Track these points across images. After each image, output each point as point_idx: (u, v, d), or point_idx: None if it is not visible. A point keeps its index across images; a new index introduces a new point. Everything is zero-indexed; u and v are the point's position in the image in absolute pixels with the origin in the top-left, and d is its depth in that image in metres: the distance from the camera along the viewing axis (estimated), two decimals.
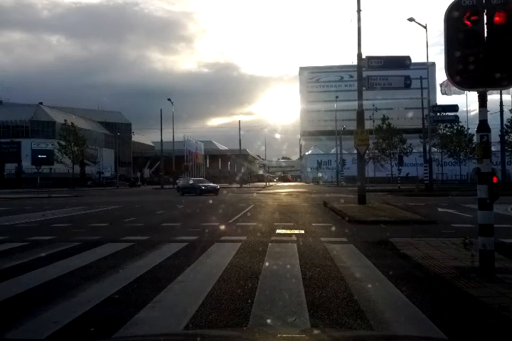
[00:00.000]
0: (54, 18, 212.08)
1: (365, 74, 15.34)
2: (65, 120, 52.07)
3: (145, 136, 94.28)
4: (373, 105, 49.63)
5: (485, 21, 4.31)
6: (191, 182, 30.27)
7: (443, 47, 4.52)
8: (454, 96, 51.15)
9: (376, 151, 49.43)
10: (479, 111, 4.50)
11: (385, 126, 49.17)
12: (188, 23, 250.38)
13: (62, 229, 9.45)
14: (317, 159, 74.52)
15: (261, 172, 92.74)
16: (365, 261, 5.53)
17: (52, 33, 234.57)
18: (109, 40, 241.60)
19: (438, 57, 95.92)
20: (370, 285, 4.28)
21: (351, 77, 77.21)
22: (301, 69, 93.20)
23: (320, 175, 66.72)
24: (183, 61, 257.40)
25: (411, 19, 25.03)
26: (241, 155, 65.40)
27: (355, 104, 15.94)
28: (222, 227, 9.31)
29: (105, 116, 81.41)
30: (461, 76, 4.44)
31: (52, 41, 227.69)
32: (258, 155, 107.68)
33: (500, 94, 29.77)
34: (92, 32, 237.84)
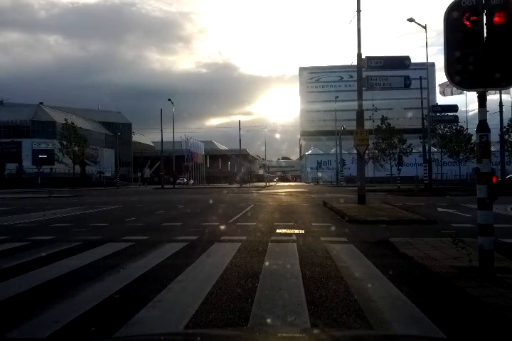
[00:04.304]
0: (51, 18, 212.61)
1: (364, 74, 15.34)
2: (66, 119, 52.10)
3: (145, 136, 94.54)
4: (373, 105, 49.76)
5: (484, 21, 4.33)
6: None
7: (441, 47, 4.62)
8: (453, 96, 51.17)
9: (376, 151, 49.46)
10: (479, 111, 4.52)
11: (384, 126, 49.18)
12: (185, 24, 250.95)
13: (62, 228, 9.46)
14: (317, 159, 74.54)
15: (261, 172, 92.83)
16: (364, 260, 5.54)
17: (50, 33, 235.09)
18: (107, 40, 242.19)
19: (436, 57, 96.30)
20: (369, 285, 4.29)
21: (351, 77, 77.25)
22: (301, 69, 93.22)
23: (320, 175, 66.73)
24: (181, 61, 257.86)
25: (411, 19, 25.03)
26: (241, 155, 65.41)
27: (354, 104, 15.94)
28: (223, 227, 9.32)
29: (105, 116, 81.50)
30: (460, 76, 4.45)
31: (50, 41, 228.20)
32: (258, 155, 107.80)
33: (500, 94, 29.82)
34: (90, 32, 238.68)
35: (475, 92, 4.51)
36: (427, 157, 26.16)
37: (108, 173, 66.06)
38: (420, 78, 27.16)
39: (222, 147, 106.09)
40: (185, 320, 3.27)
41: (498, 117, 29.91)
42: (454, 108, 27.37)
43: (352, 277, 4.61)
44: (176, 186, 47.84)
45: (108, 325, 3.24)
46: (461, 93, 48.08)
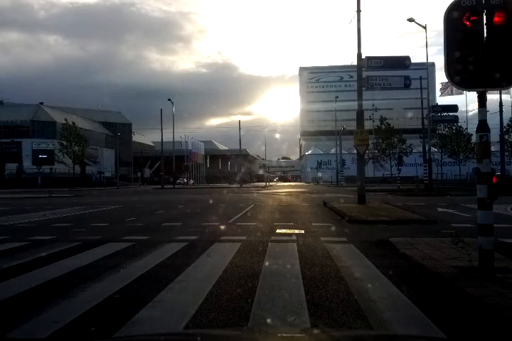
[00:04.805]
0: (51, 18, 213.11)
1: (364, 74, 15.34)
2: (66, 119, 52.10)
3: (145, 136, 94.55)
4: (373, 105, 49.70)
5: (484, 21, 4.32)
6: None
7: (441, 47, 4.62)
8: (452, 96, 51.17)
9: (376, 151, 49.45)
10: (479, 111, 4.51)
11: (383, 126, 49.17)
12: (185, 24, 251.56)
13: (62, 228, 9.46)
14: (317, 159, 74.58)
15: (261, 172, 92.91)
16: (364, 260, 5.54)
17: (50, 33, 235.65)
18: (107, 40, 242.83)
19: (436, 57, 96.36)
20: (369, 285, 4.29)
21: (351, 77, 77.27)
22: (301, 69, 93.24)
23: (320, 175, 66.77)
24: (181, 61, 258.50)
25: (411, 19, 25.03)
26: (241, 155, 65.43)
27: (355, 104, 15.94)
28: (223, 227, 9.32)
29: (105, 116, 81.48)
30: (460, 76, 4.45)
31: (50, 41, 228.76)
32: (258, 155, 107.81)
33: (500, 94, 29.84)
34: (90, 32, 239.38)
35: (475, 92, 4.51)
36: (427, 157, 26.16)
37: (108, 173, 66.01)
38: (420, 78, 27.16)
39: (222, 147, 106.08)
40: (185, 320, 3.27)
41: (498, 117, 29.94)
42: (454, 108, 27.35)
43: (352, 277, 4.61)
44: (175, 186, 47.87)
45: (108, 325, 3.24)
46: (461, 93, 48.07)
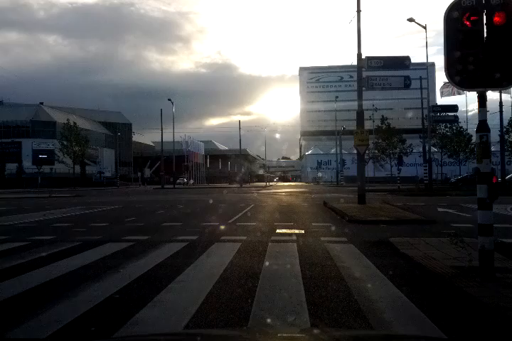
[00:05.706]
0: (50, 19, 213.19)
1: (364, 74, 15.34)
2: (68, 119, 52.13)
3: (145, 136, 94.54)
4: (373, 105, 49.70)
5: (484, 21, 4.32)
6: None
7: (441, 47, 4.62)
8: (452, 96, 51.16)
9: (376, 151, 49.44)
10: (479, 111, 4.51)
11: (384, 126, 49.17)
12: (184, 23, 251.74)
13: (62, 228, 9.46)
14: (317, 159, 74.59)
15: (261, 172, 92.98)
16: (365, 260, 5.54)
17: (49, 33, 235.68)
18: (106, 40, 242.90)
19: (435, 57, 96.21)
20: (370, 285, 4.29)
21: (351, 77, 77.35)
22: (301, 69, 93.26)
23: (320, 175, 66.74)
24: (180, 61, 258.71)
25: (411, 19, 25.03)
26: (241, 155, 65.42)
27: (355, 104, 15.95)
28: (223, 227, 9.32)
29: (105, 116, 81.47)
30: (460, 76, 4.44)
31: (50, 41, 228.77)
32: (258, 155, 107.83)
33: (500, 94, 29.81)
34: (89, 32, 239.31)
35: (475, 92, 4.51)
36: (427, 157, 26.16)
37: (108, 173, 66.01)
38: (420, 78, 27.16)
39: (222, 147, 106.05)
40: (185, 320, 3.27)
41: (498, 117, 29.92)
42: (454, 108, 27.32)
43: (352, 277, 4.61)
44: (176, 186, 47.87)
45: (108, 325, 3.25)
46: (462, 93, 48.06)
